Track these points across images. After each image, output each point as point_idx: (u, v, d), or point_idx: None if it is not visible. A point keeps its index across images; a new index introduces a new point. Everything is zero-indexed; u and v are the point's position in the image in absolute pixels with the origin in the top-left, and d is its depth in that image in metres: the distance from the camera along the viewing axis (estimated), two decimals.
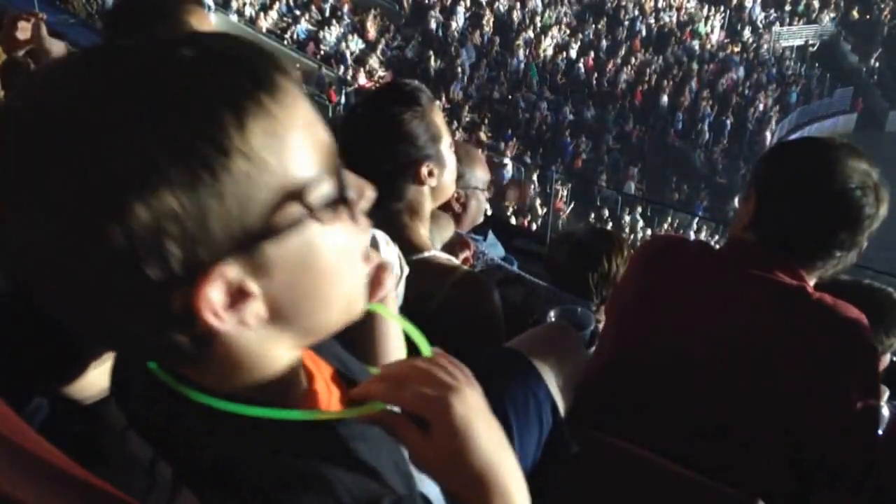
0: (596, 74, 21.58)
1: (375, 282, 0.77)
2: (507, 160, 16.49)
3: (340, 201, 0.65)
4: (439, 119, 1.81)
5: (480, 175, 2.40)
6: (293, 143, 0.61)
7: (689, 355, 1.59)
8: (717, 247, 1.72)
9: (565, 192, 16.02)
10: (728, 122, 21.91)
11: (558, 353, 1.65)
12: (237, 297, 0.60)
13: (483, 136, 18.10)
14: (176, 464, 0.64)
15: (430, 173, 1.76)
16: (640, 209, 16.23)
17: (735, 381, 1.54)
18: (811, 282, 1.60)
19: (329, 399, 0.77)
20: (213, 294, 0.58)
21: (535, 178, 16.17)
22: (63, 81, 0.58)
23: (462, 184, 2.20)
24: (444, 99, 18.31)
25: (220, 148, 0.56)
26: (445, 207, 2.15)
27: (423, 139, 1.75)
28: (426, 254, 1.76)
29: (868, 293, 2.22)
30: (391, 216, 1.75)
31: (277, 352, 0.69)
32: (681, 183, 19.73)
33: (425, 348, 0.79)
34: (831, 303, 1.54)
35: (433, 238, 1.91)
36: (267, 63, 0.62)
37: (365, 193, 0.69)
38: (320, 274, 0.65)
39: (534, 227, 14.11)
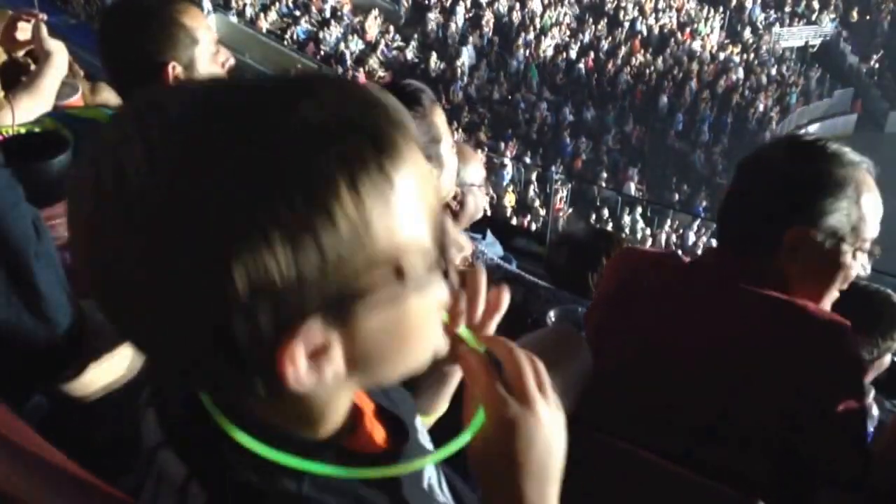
0: (596, 75, 21.57)
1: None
2: (506, 160, 16.51)
3: (439, 262, 0.64)
4: (440, 120, 1.80)
5: (476, 172, 2.40)
6: (404, 210, 0.59)
7: (678, 363, 1.58)
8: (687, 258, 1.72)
9: (565, 193, 15.98)
10: (728, 122, 21.90)
11: (563, 357, 1.64)
12: (319, 353, 0.59)
13: (483, 136, 18.09)
14: (211, 488, 0.64)
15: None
16: (640, 210, 16.21)
17: (726, 386, 1.52)
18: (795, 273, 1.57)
19: (372, 438, 0.76)
20: (297, 350, 0.58)
21: (534, 178, 16.19)
22: (170, 136, 0.56)
23: (458, 181, 2.20)
24: (443, 100, 18.29)
25: (331, 214, 0.55)
26: (443, 206, 2.13)
27: (423, 140, 1.66)
28: None
29: (866, 295, 2.20)
30: None
31: (343, 398, 0.69)
32: (681, 183, 19.72)
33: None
34: (811, 310, 1.51)
35: None
36: (390, 125, 0.60)
37: (464, 248, 0.69)
38: (406, 332, 0.64)
39: (533, 227, 14.10)
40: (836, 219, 1.53)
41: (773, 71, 24.75)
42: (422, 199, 0.61)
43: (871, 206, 1.57)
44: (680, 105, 21.49)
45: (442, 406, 1.05)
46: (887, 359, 2.23)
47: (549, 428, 0.74)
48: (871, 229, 1.59)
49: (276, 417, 0.65)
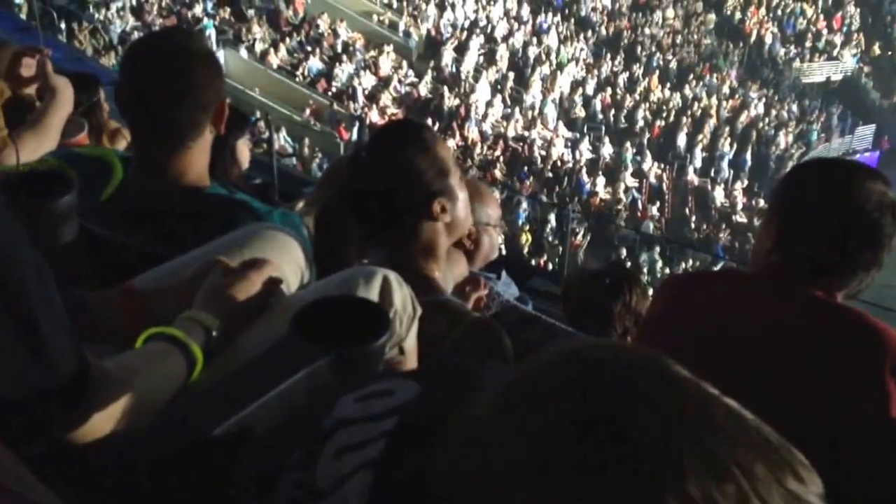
0: (613, 111, 21.28)
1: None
2: (522, 198, 16.22)
3: None
4: (446, 153, 1.80)
5: (491, 211, 2.37)
6: None
7: (723, 362, 1.48)
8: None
9: (582, 231, 15.72)
10: (748, 159, 21.52)
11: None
12: None
13: (498, 174, 17.77)
14: None
15: (443, 209, 1.75)
16: (658, 249, 15.85)
17: (771, 388, 1.48)
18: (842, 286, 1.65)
19: None
20: None
21: (551, 217, 15.91)
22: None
23: (473, 220, 2.12)
24: (457, 136, 18.03)
25: None
26: (457, 245, 2.11)
27: (431, 174, 1.73)
28: (440, 297, 1.76)
29: None
30: (406, 257, 1.75)
31: None
32: (700, 222, 19.30)
33: None
34: (860, 313, 1.59)
35: (446, 277, 1.90)
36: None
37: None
38: None
39: (550, 266, 13.77)
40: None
41: (794, 107, 24.43)
42: None
43: None
44: (698, 141, 21.11)
45: None
46: None
47: None
48: None
49: None
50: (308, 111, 17.01)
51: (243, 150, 3.21)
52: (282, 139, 15.01)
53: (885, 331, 1.54)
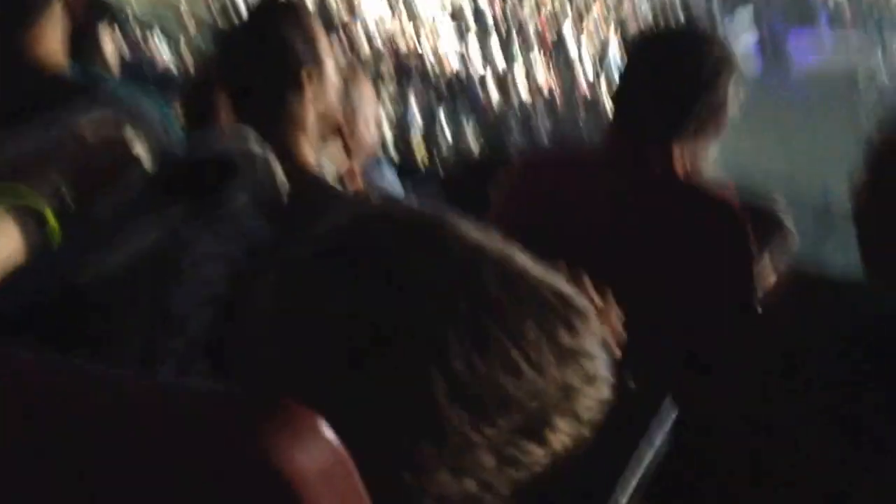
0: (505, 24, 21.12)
1: None
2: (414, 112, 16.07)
3: None
4: (315, 24, 1.82)
5: (367, 94, 2.37)
6: None
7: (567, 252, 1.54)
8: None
9: (477, 142, 15.75)
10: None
11: None
12: None
13: (390, 87, 17.55)
14: None
15: (309, 75, 1.74)
16: None
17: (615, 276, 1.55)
18: (686, 156, 1.64)
19: None
20: None
21: (442, 118, 15.82)
22: None
23: (348, 102, 2.18)
24: (347, 49, 17.66)
25: None
26: (334, 135, 2.13)
27: (298, 42, 1.74)
28: (311, 172, 1.75)
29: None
30: (278, 133, 1.68)
31: None
32: (592, 131, 19.59)
33: None
34: (697, 185, 1.61)
35: (320, 160, 1.90)
36: None
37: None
38: None
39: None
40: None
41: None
42: None
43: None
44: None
45: None
46: None
47: None
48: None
49: None
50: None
51: (106, 40, 3.01)
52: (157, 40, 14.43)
53: (730, 202, 1.59)
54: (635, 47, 1.82)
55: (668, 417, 1.08)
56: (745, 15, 24.74)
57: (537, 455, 0.59)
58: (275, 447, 0.53)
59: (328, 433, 0.57)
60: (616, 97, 1.72)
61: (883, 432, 1.27)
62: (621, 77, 1.76)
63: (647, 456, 1.02)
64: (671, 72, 1.62)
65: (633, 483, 1.02)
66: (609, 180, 1.63)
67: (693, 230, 1.53)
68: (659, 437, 1.04)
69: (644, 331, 1.53)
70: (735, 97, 1.66)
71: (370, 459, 0.53)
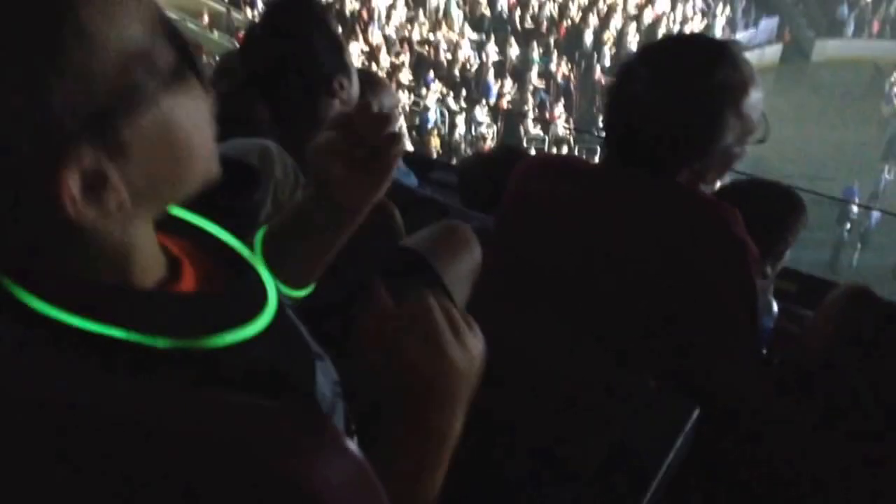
0: (519, 10, 21.02)
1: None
2: (430, 104, 16.01)
3: (186, 68, 0.65)
4: (335, 31, 1.82)
5: (387, 102, 2.38)
6: (125, 14, 0.61)
7: (563, 269, 1.58)
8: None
9: (491, 134, 15.69)
10: None
11: (452, 250, 1.69)
12: (97, 184, 0.60)
13: (404, 79, 17.50)
14: None
15: (341, 85, 1.76)
16: (566, 150, 15.99)
17: (608, 290, 1.52)
18: (692, 180, 1.53)
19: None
20: (71, 182, 0.58)
21: (460, 120, 15.78)
22: None
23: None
24: (361, 41, 17.62)
25: (52, 32, 0.56)
26: None
27: (328, 52, 1.75)
28: None
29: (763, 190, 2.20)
30: (311, 138, 1.63)
31: (141, 234, 0.68)
32: None
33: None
34: (692, 197, 1.50)
35: None
36: None
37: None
38: (178, 149, 0.65)
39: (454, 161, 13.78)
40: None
41: (700, 1, 24.50)
42: (142, 4, 0.62)
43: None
44: (605, 39, 21.07)
45: (316, 274, 1.00)
46: (788, 256, 2.19)
47: (465, 371, 0.74)
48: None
49: (83, 273, 0.64)
50: (206, 18, 16.52)
51: None
52: None
53: (733, 229, 1.46)
54: (632, 74, 1.59)
55: (689, 417, 1.07)
56: (770, 24, 24.60)
57: None
58: (304, 461, 0.56)
59: (351, 446, 0.59)
60: (607, 124, 1.59)
61: None
62: (612, 97, 1.58)
63: (668, 455, 1.01)
64: (669, 115, 1.47)
65: (654, 483, 1.02)
66: (608, 194, 1.58)
67: (690, 253, 1.45)
68: (680, 437, 1.03)
69: (642, 334, 1.51)
70: (748, 120, 1.50)
71: None
